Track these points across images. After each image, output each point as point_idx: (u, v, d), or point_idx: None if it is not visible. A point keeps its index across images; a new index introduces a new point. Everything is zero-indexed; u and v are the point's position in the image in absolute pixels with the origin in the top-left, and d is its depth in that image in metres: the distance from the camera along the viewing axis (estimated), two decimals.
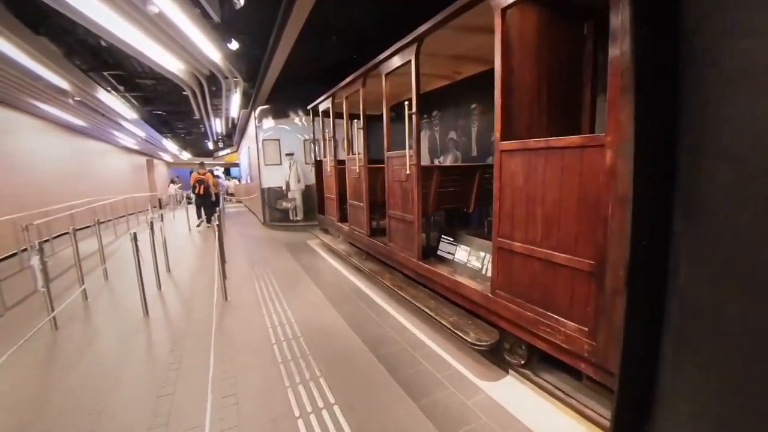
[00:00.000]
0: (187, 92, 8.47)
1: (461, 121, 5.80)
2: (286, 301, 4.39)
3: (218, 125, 14.47)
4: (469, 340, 2.75)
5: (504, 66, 2.51)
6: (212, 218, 11.78)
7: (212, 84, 8.22)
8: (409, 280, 4.03)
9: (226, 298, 4.51)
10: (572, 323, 2.17)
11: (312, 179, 10.11)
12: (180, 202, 21.14)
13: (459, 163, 5.30)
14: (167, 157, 25.24)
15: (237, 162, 22.44)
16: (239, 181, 20.86)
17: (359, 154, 4.84)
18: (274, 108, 9.79)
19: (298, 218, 9.89)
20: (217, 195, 12.43)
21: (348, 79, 5.05)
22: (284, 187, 9.87)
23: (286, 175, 9.75)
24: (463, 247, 3.49)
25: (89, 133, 12.89)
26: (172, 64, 6.36)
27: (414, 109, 3.48)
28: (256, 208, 11.90)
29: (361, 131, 4.77)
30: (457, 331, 2.87)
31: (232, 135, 17.33)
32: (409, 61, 3.53)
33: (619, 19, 1.75)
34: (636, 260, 1.73)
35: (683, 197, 1.64)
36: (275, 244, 7.87)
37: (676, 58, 1.63)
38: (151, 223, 5.01)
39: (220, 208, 10.50)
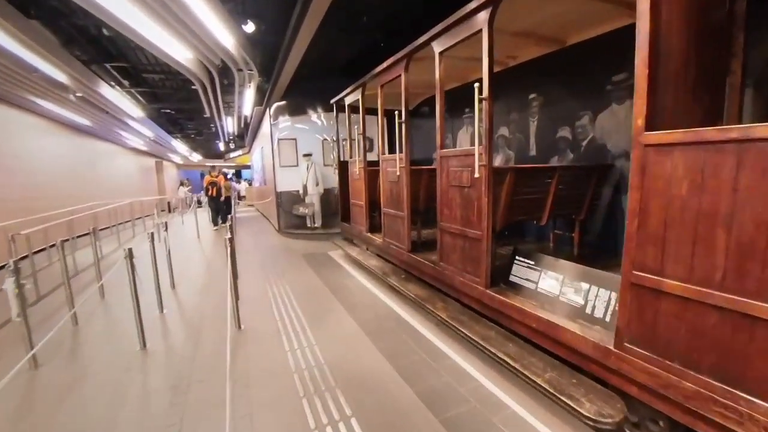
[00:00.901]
0: (197, 87, 7.89)
1: (515, 115, 5.04)
2: (311, 331, 3.68)
3: (230, 124, 13.96)
4: (584, 413, 1.99)
5: (653, 21, 1.76)
6: (227, 218, 11.66)
7: (224, 77, 7.63)
8: (469, 311, 3.28)
9: (240, 326, 3.82)
10: None
11: (331, 182, 9.48)
12: (190, 206, 20.82)
13: (535, 165, 4.45)
14: (177, 159, 24.99)
15: (249, 164, 21.98)
16: (250, 183, 20.34)
17: (401, 153, 4.12)
18: (290, 104, 9.15)
19: (316, 225, 9.21)
20: (228, 198, 12.13)
21: (386, 64, 4.34)
22: (301, 191, 9.21)
23: (304, 177, 9.10)
24: (551, 273, 2.73)
25: (95, 133, 12.49)
26: (180, 53, 5.75)
27: (486, 93, 2.74)
28: (269, 214, 11.29)
29: (403, 126, 4.05)
30: (561, 397, 2.11)
31: (244, 135, 16.85)
32: (480, 31, 2.80)
33: None
34: None
35: None
36: (293, 255, 7.20)
37: None
38: (152, 235, 4.36)
39: (231, 215, 9.92)
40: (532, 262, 2.90)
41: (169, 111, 12.92)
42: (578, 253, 3.79)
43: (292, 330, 3.75)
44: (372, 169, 5.60)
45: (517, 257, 3.05)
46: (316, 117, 9.31)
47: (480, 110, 2.75)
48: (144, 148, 17.41)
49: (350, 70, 7.12)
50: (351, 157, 6.16)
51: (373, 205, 5.71)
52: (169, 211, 19.80)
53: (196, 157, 25.08)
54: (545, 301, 2.71)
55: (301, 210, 9.12)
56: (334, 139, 7.03)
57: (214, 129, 16.27)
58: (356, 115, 5.83)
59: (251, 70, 7.11)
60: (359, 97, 5.42)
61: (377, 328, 3.68)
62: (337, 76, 8.32)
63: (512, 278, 3.04)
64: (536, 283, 2.83)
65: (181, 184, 21.76)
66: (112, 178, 14.44)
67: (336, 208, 9.77)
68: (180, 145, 18.79)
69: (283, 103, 9.12)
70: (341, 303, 4.42)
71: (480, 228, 2.97)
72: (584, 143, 4.15)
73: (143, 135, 13.32)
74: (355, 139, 6.02)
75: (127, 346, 3.49)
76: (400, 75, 4.06)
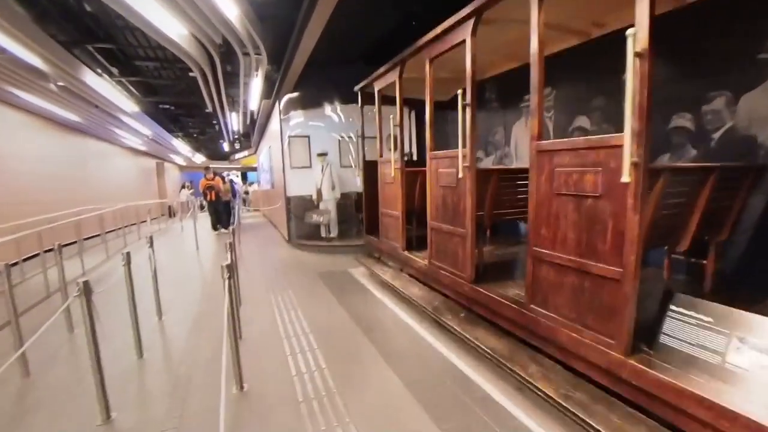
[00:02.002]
0: (196, 74, 7.00)
1: (600, 101, 4.01)
2: (341, 396, 2.68)
3: (234, 122, 13.13)
4: None
5: None
6: (228, 224, 10.89)
7: (227, 63, 6.73)
8: (588, 385, 2.24)
9: (241, 387, 2.83)
10: None
11: (350, 186, 8.54)
12: (191, 210, 20.02)
13: (689, 164, 3.28)
14: (179, 160, 24.31)
15: (255, 166, 21.16)
16: (258, 185, 19.42)
17: (463, 148, 3.10)
18: (303, 97, 8.22)
19: (331, 236, 8.24)
20: (228, 203, 11.58)
21: (441, 28, 3.34)
22: (314, 196, 8.26)
23: (318, 180, 8.15)
24: (754, 342, 1.69)
25: (87, 131, 11.72)
26: (172, 27, 4.83)
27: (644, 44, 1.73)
28: (278, 221, 10.35)
29: (468, 111, 3.04)
30: None
31: (250, 135, 16.01)
32: None
33: None
34: None
35: None
36: (306, 273, 6.22)
37: None
38: (127, 256, 3.42)
39: (233, 221, 9.03)
40: (710, 319, 1.86)
41: (167, 106, 12.11)
42: (723, 291, 2.73)
43: (314, 392, 2.75)
44: (412, 170, 4.61)
45: (672, 306, 2.01)
46: (332, 111, 8.37)
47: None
48: (143, 148, 16.67)
49: (374, 57, 6.16)
50: (381, 156, 5.17)
51: (412, 215, 4.72)
52: (170, 216, 19.03)
53: (199, 158, 24.36)
54: (735, 381, 1.67)
55: (315, 218, 8.16)
56: (353, 135, 6.05)
57: (217, 127, 15.46)
58: (387, 106, 4.89)
59: (259, 53, 6.18)
60: (395, 79, 4.44)
61: (434, 395, 2.66)
62: (358, 64, 7.38)
63: (664, 339, 2.00)
64: (721, 353, 1.78)
65: (183, 186, 21.01)
66: (107, 180, 13.68)
67: (354, 215, 8.83)
68: (182, 146, 18.04)
69: (295, 95, 8.19)
70: (377, 348, 3.41)
71: (615, 261, 1.95)
72: (717, 135, 3.10)
73: (141, 133, 12.52)
74: (388, 135, 5.04)
75: (88, 419, 2.53)
76: (464, 41, 3.06)
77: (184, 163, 26.38)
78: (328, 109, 8.27)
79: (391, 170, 4.67)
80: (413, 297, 4.09)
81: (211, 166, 11.30)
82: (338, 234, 8.31)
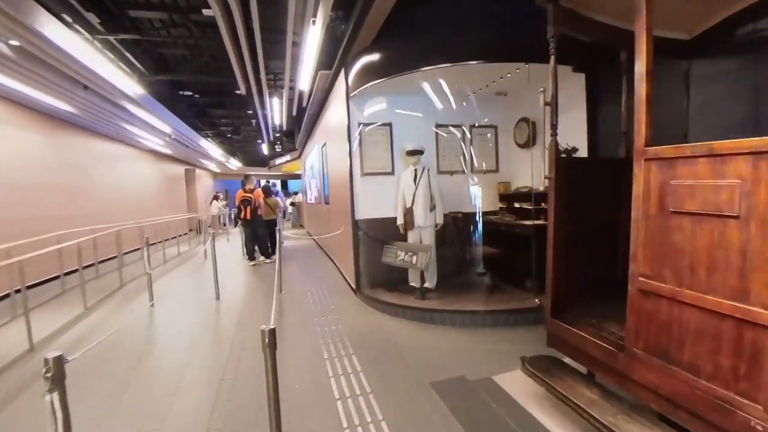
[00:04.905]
0: (216, 14, 4.51)
1: None
2: None
3: (276, 112, 10.80)
4: None
5: None
6: (269, 251, 9.23)
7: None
8: None
9: None
10: None
11: (456, 204, 5.80)
12: (224, 225, 18.05)
13: None
14: (212, 166, 22.72)
15: (299, 173, 18.93)
16: (304, 195, 17.02)
17: None
18: (388, 59, 5.40)
19: (426, 286, 5.45)
20: (272, 222, 9.61)
21: None
22: (400, 220, 5.54)
23: (407, 193, 5.44)
24: None
25: (89, 127, 9.79)
26: None
27: None
28: (339, 255, 7.71)
29: None
30: None
31: (295, 133, 13.71)
32: None
33: None
34: None
35: None
36: (406, 375, 3.45)
37: None
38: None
39: (278, 245, 6.53)
40: None
41: (189, 94, 9.97)
42: None
43: None
44: None
45: None
46: (434, 82, 5.53)
47: None
48: (167, 151, 14.83)
49: None
50: (645, 143, 2.26)
51: None
52: (198, 233, 17.13)
53: (234, 164, 22.65)
54: None
55: (402, 256, 5.40)
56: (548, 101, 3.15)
57: (254, 121, 13.27)
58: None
59: None
60: None
61: None
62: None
63: None
64: None
65: (215, 198, 19.19)
66: (118, 190, 11.80)
67: (464, 251, 6.01)
68: (212, 148, 16.13)
69: (373, 57, 5.42)
70: None
71: None
72: None
73: (158, 130, 10.46)
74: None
75: None
76: None
77: (218, 170, 24.89)
78: (427, 80, 5.44)
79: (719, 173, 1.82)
80: None
81: (251, 174, 9.20)
82: (436, 284, 5.51)
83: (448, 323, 4.66)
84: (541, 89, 2.80)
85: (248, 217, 8.81)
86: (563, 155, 3.77)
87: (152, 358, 4.06)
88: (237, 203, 8.95)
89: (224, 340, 4.45)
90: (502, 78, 5.20)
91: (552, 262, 2.91)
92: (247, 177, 9.19)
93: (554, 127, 2.85)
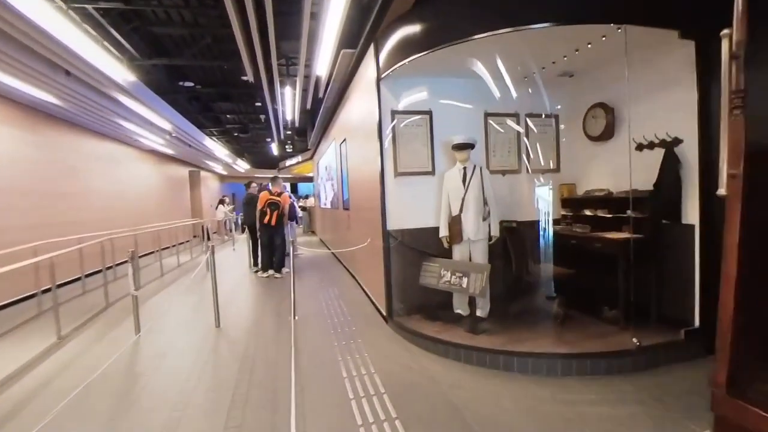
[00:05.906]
0: None
1: None
2: None
3: (288, 105, 9.87)
4: None
5: None
6: (282, 263, 8.39)
7: None
8: None
9: None
10: None
11: (518, 212, 4.82)
12: (231, 231, 17.13)
13: None
14: (218, 168, 21.93)
15: (310, 175, 17.97)
16: (317, 198, 16.05)
17: None
18: (429, 27, 4.35)
19: (479, 315, 4.42)
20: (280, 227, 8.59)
21: None
22: (444, 231, 4.54)
23: (453, 197, 4.44)
24: None
25: (79, 123, 8.96)
26: None
27: None
28: (364, 271, 6.70)
29: None
30: None
31: (308, 130, 12.79)
32: None
33: None
34: None
35: None
36: None
37: None
38: None
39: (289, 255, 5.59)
40: None
41: (191, 84, 9.08)
42: None
43: None
44: None
45: None
46: (487, 58, 4.50)
47: None
48: (168, 151, 14.01)
49: None
50: None
51: None
52: (204, 238, 16.26)
53: (242, 166, 21.82)
54: None
55: (445, 278, 4.39)
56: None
57: (263, 117, 12.38)
58: None
59: None
60: None
61: None
62: None
63: None
64: None
65: (221, 202, 18.37)
66: (113, 195, 10.96)
67: (521, 269, 4.95)
68: (219, 148, 15.28)
69: (412, 27, 4.40)
70: None
71: None
72: None
73: (156, 126, 9.60)
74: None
75: None
76: None
77: (224, 172, 24.12)
78: (479, 55, 4.43)
79: None
80: None
81: (278, 177, 8.35)
82: (488, 312, 4.48)
83: (515, 369, 3.62)
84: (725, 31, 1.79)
85: (273, 222, 8.04)
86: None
87: (127, 421, 3.09)
88: (261, 206, 8.08)
89: (223, 390, 3.46)
90: (578, 51, 4.16)
91: (733, 306, 1.89)
92: (274, 179, 8.36)
93: (742, 93, 1.83)
